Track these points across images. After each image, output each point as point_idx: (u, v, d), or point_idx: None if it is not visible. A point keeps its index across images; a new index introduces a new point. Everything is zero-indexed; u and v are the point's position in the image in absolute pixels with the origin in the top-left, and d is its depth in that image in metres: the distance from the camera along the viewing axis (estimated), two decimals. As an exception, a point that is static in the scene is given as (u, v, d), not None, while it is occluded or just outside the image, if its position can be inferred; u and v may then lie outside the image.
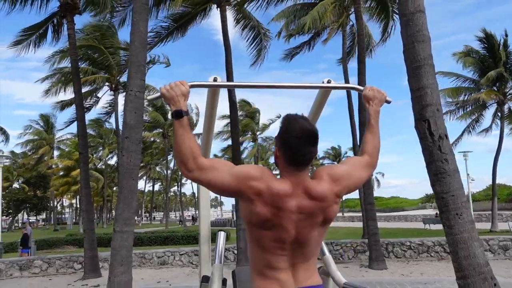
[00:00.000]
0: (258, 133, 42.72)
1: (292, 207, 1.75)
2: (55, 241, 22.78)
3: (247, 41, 15.99)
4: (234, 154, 13.44)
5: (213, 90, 2.14)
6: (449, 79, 24.28)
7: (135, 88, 5.61)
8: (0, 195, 19.97)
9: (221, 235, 2.26)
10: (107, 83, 24.33)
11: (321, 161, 74.29)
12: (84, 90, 23.58)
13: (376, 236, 11.88)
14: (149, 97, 1.94)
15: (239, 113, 40.06)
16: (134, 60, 5.95)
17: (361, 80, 12.66)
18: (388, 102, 2.16)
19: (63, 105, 24.13)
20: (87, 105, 23.50)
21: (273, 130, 46.95)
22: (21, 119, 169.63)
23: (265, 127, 43.76)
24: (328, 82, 2.19)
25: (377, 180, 78.57)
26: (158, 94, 1.83)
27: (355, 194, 12.63)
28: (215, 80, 1.95)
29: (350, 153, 48.41)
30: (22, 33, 12.76)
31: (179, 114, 1.70)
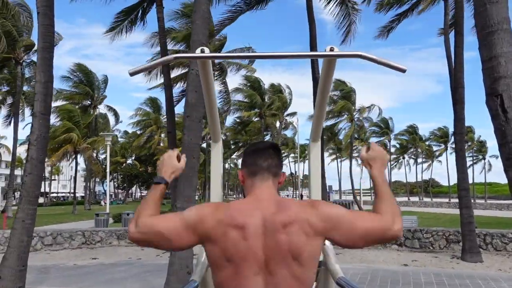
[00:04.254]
0: (355, 113, 41.33)
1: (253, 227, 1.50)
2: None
3: (333, 16, 15.33)
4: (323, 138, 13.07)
5: (203, 63, 1.98)
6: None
7: (195, 67, 5.64)
8: (109, 169, 22.01)
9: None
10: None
11: (427, 142, 70.05)
12: (179, 72, 24.77)
13: (471, 226, 10.82)
14: (130, 70, 1.83)
15: (335, 93, 39.09)
16: (195, 39, 5.99)
17: (458, 53, 11.46)
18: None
19: (159, 87, 25.50)
20: (184, 88, 24.59)
21: (373, 111, 45.01)
22: (138, 101, 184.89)
23: (363, 110, 42.28)
24: (331, 50, 1.90)
25: (489, 164, 71.96)
26: (141, 67, 1.76)
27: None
28: (202, 51, 1.80)
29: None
30: (116, 18, 13.66)
31: (157, 181, 1.70)
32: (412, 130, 67.79)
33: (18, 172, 66.60)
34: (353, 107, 40.03)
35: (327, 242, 2.13)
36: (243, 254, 1.46)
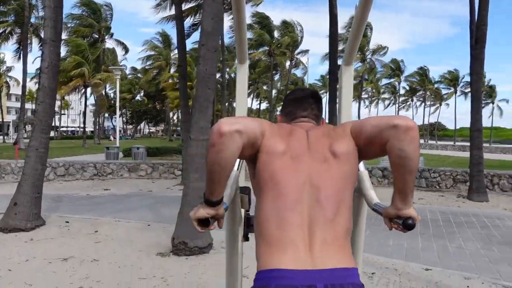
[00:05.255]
0: (368, 53, 40.30)
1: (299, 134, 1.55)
2: (166, 150, 24.85)
3: None
4: (331, 80, 12.78)
5: None
6: None
7: (212, -8, 5.36)
8: (118, 104, 22.00)
9: None
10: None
11: (436, 85, 68.98)
12: (190, 5, 23.96)
13: (480, 166, 10.83)
14: None
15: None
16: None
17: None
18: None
19: (168, 19, 24.78)
20: (196, 21, 23.90)
21: (390, 54, 43.68)
22: (145, 37, 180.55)
23: (380, 49, 41.07)
24: None
25: (499, 108, 71.24)
26: None
27: (468, 122, 11.39)
28: None
29: (469, 78, 43.74)
30: None
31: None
32: (422, 72, 66.57)
33: (28, 105, 67.04)
34: (366, 47, 38.96)
35: (361, 167, 2.07)
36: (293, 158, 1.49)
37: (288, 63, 43.60)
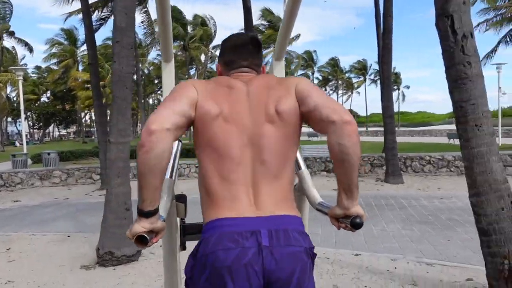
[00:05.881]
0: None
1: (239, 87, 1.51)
2: (80, 153, 23.41)
3: None
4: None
5: None
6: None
7: (124, -15, 4.99)
8: (22, 107, 20.27)
9: (175, 145, 1.89)
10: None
11: (347, 74, 72.63)
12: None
13: (394, 150, 11.53)
14: None
15: (264, 23, 38.36)
16: None
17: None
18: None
19: (72, 14, 23.22)
20: (104, 16, 22.72)
21: (298, 44, 44.86)
22: (46, 33, 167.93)
23: (292, 39, 42.04)
24: None
25: (403, 94, 76.89)
26: None
27: (379, 109, 12.07)
28: None
29: (376, 66, 46.40)
30: None
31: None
32: (333, 63, 69.61)
33: None
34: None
35: (302, 166, 2.01)
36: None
37: (203, 57, 43.20)
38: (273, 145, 1.43)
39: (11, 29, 38.76)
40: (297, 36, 41.59)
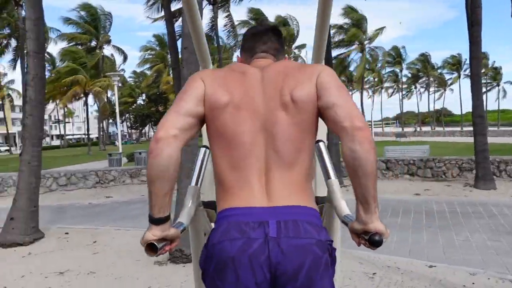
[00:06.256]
0: (366, 43, 39.91)
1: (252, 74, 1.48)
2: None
3: None
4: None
5: None
6: None
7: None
8: (118, 109, 21.94)
9: (202, 152, 1.91)
10: (206, -3, 24.00)
11: (439, 70, 68.39)
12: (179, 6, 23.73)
13: (485, 153, 10.61)
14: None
15: (345, 20, 37.55)
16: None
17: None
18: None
19: (160, 20, 24.53)
20: (188, 21, 23.67)
21: (385, 40, 43.29)
22: (143, 40, 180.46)
23: (376, 35, 40.61)
24: None
25: (504, 91, 70.55)
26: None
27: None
28: None
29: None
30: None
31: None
32: (424, 59, 66.00)
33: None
34: (364, 36, 38.59)
35: (332, 176, 1.92)
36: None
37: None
38: (286, 132, 1.38)
39: (109, 38, 42.07)
40: (381, 29, 39.95)
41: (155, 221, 1.35)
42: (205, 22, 26.76)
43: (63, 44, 37.60)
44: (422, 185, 11.52)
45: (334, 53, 39.41)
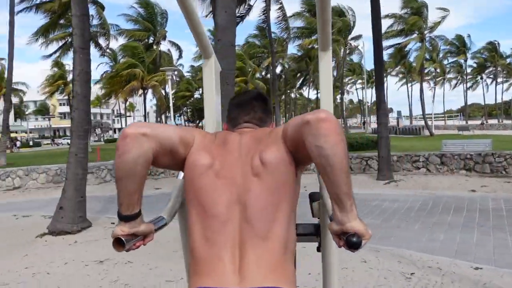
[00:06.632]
0: (426, 32, 38.01)
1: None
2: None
3: None
4: (375, 64, 12.07)
5: None
6: None
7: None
8: (171, 103, 22.51)
9: None
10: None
11: (508, 59, 64.00)
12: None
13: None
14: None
15: (405, 10, 36.01)
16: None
17: None
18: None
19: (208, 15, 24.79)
20: (240, 14, 23.80)
21: (446, 29, 40.99)
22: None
23: (437, 24, 38.58)
24: None
25: None
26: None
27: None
28: None
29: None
30: None
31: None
32: (491, 47, 61.91)
33: (96, 110, 71.11)
34: (424, 25, 36.74)
35: (324, 193, 1.78)
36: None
37: (342, 50, 42.35)
38: (258, 200, 1.28)
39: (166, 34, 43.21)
40: (443, 17, 37.79)
41: (123, 218, 1.32)
42: (256, 14, 26.69)
43: (123, 41, 39.15)
44: (479, 181, 10.81)
45: (390, 42, 38.02)
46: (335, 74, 51.00)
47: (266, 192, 1.28)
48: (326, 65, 2.11)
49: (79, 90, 6.61)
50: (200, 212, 1.32)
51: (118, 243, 1.33)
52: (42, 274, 5.07)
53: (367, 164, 13.59)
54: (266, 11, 23.95)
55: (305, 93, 75.77)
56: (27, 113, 76.10)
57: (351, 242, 1.17)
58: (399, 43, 38.50)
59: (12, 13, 18.97)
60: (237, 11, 23.49)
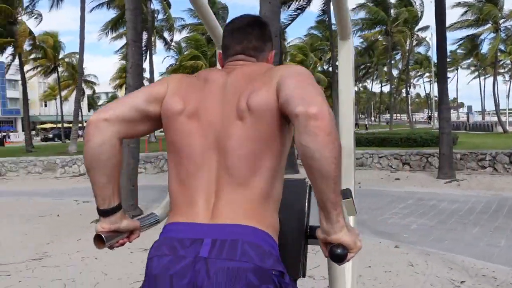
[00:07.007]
0: (501, 21, 35.35)
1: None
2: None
3: None
4: (438, 56, 11.38)
5: None
6: None
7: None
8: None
9: None
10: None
11: None
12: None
13: None
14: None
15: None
16: None
17: None
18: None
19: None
20: (300, 6, 23.51)
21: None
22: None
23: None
24: None
25: None
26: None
27: None
28: None
29: None
30: None
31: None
32: None
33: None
34: (499, 14, 34.18)
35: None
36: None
37: (408, 41, 40.58)
38: (239, 148, 1.17)
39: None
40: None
41: (100, 212, 1.29)
42: (317, 5, 26.20)
43: (186, 35, 40.16)
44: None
45: (462, 33, 35.82)
46: (400, 66, 49.11)
47: (250, 140, 1.17)
48: (345, 54, 1.95)
49: (131, 82, 6.81)
50: (176, 157, 1.26)
51: (99, 239, 1.29)
52: (90, 259, 5.29)
53: (428, 161, 12.92)
54: (326, 2, 23.38)
55: (369, 86, 73.71)
56: (99, 104, 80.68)
57: (334, 253, 1.07)
58: (471, 34, 36.18)
59: (83, 9, 20.04)
60: (297, 2, 23.29)
